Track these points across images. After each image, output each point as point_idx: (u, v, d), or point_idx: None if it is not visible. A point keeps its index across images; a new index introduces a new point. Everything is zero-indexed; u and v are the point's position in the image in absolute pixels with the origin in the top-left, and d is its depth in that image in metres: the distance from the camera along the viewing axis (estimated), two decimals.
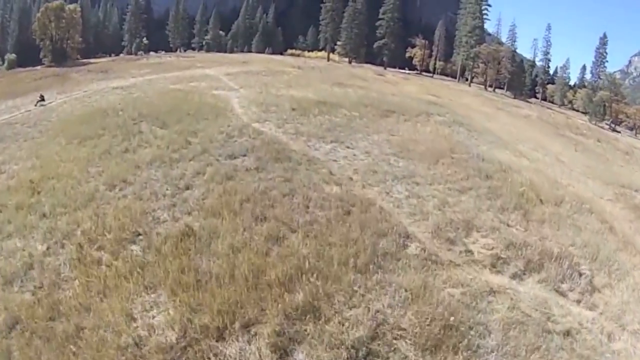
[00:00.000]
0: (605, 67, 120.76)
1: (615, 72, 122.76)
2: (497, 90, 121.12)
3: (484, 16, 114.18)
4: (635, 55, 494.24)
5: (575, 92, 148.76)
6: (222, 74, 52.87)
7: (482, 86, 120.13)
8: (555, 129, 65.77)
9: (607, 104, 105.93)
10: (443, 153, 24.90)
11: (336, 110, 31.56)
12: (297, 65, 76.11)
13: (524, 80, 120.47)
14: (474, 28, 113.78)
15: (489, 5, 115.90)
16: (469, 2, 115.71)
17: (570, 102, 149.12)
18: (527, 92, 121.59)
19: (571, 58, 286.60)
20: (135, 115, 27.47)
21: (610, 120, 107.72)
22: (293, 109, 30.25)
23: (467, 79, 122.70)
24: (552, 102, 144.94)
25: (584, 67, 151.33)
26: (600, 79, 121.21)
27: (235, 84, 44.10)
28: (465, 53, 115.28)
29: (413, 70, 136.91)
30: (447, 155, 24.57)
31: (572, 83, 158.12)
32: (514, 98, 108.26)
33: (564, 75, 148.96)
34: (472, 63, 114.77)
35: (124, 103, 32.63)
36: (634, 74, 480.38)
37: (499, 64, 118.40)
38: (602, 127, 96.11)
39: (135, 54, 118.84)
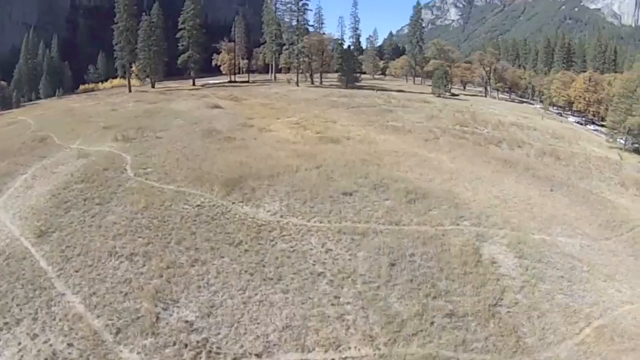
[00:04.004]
0: (423, 33, 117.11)
1: (404, 26, 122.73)
2: (324, 81, 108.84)
3: (305, 7, 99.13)
4: (422, 7, 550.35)
5: (387, 61, 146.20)
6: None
7: (309, 81, 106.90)
8: (479, 147, 56.13)
9: (446, 73, 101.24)
10: None
11: None
12: (117, 131, 48.49)
13: (354, 65, 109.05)
14: (292, 24, 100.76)
15: None
16: None
17: (382, 69, 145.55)
18: (355, 76, 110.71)
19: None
20: None
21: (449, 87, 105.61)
22: None
23: (290, 77, 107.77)
24: (364, 73, 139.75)
25: (390, 34, 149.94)
26: (419, 46, 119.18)
27: None
28: (287, 51, 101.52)
29: (220, 74, 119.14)
30: None
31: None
32: (346, 87, 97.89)
33: (373, 45, 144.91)
34: (296, 60, 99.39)
35: None
36: (423, 25, 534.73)
37: (323, 54, 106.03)
38: (446, 97, 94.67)
39: None
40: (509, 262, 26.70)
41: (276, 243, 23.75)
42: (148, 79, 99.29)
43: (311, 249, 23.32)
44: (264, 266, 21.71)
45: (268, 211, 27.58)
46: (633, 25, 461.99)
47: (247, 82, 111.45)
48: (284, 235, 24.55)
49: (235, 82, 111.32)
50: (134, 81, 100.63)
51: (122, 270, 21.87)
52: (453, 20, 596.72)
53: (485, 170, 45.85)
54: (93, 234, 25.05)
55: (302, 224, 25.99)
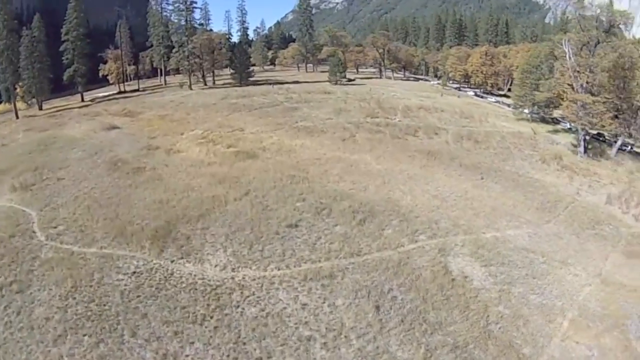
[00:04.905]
0: (312, 21, 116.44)
1: (288, 12, 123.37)
2: (216, 81, 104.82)
3: (193, 6, 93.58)
4: None
5: (276, 51, 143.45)
6: None
7: (201, 82, 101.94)
8: (398, 140, 55.79)
9: (341, 60, 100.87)
10: None
11: None
12: (13, 176, 39.98)
13: (246, 61, 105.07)
14: (180, 24, 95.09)
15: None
16: None
17: (272, 60, 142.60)
18: (249, 72, 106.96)
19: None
20: None
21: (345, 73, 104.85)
22: None
23: (182, 80, 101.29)
24: (254, 65, 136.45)
25: (277, 23, 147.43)
26: (309, 33, 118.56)
27: None
28: (177, 53, 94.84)
29: (108, 84, 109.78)
30: None
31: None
32: (241, 84, 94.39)
33: (261, 35, 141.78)
34: (187, 62, 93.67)
35: None
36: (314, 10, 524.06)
37: (213, 52, 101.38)
38: (343, 83, 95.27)
39: None
40: (477, 273, 26.68)
41: (244, 309, 20.88)
42: (34, 100, 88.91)
43: (285, 308, 20.86)
44: (244, 344, 18.89)
45: (216, 266, 24.54)
46: None
47: (138, 90, 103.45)
48: (247, 297, 21.72)
49: (125, 92, 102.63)
50: (19, 104, 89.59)
51: None
52: (337, 3, 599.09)
53: (413, 166, 45.77)
54: (28, 342, 19.96)
55: (260, 277, 23.35)
